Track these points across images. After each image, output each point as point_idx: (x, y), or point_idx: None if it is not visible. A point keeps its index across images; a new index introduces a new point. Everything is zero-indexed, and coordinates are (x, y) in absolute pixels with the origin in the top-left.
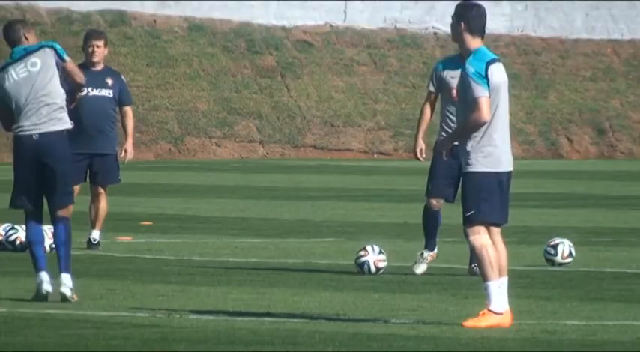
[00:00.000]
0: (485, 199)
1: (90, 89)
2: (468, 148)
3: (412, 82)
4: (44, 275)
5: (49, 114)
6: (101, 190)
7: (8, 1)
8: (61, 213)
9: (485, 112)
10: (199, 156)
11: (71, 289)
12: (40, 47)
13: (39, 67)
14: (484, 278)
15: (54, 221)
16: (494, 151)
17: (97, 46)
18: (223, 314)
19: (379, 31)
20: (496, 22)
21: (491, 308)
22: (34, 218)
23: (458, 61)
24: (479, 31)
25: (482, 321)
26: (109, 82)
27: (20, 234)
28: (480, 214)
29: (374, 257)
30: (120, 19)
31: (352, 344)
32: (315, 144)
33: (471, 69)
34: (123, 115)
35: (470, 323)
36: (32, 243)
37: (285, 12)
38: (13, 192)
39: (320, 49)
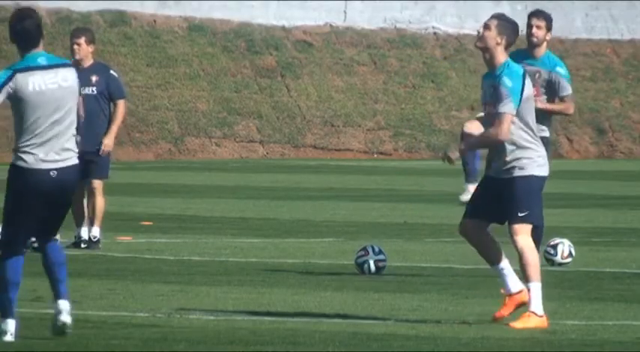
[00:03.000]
0: (536, 202)
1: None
2: (519, 155)
3: (412, 82)
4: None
5: None
6: (96, 185)
7: (8, 1)
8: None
9: (505, 130)
10: (199, 156)
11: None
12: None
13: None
14: (528, 279)
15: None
16: (540, 154)
17: (78, 44)
18: (223, 314)
19: (379, 31)
20: None
21: (532, 309)
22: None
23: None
24: (509, 46)
25: (530, 322)
26: (93, 78)
27: None
28: (531, 216)
29: (374, 257)
30: (120, 19)
31: (352, 344)
32: (315, 144)
33: (508, 83)
34: (114, 108)
35: (519, 324)
36: (13, 284)
37: (285, 12)
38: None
39: (320, 49)
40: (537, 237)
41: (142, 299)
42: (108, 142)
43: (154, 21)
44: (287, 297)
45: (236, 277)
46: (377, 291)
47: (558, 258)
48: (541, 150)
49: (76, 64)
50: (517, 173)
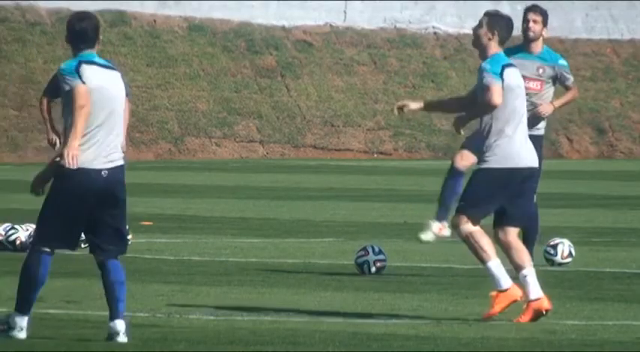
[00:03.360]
0: (481, 194)
1: None
2: (483, 148)
3: (412, 82)
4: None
5: None
6: None
7: (8, 1)
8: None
9: (496, 96)
10: (199, 156)
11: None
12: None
13: None
14: (482, 262)
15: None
16: (504, 148)
17: None
18: (223, 314)
19: (379, 31)
20: None
21: (497, 287)
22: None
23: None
24: (504, 41)
25: (501, 302)
26: None
27: (20, 234)
28: (468, 207)
29: (374, 257)
30: (120, 19)
31: (352, 344)
32: (315, 144)
33: (487, 66)
34: None
35: (496, 308)
36: (40, 283)
37: (285, 12)
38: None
39: (320, 49)
40: (531, 236)
41: (142, 299)
42: (123, 144)
43: (154, 21)
44: (287, 297)
45: (236, 277)
46: (377, 291)
47: (558, 258)
48: (509, 147)
49: None
50: (479, 165)
